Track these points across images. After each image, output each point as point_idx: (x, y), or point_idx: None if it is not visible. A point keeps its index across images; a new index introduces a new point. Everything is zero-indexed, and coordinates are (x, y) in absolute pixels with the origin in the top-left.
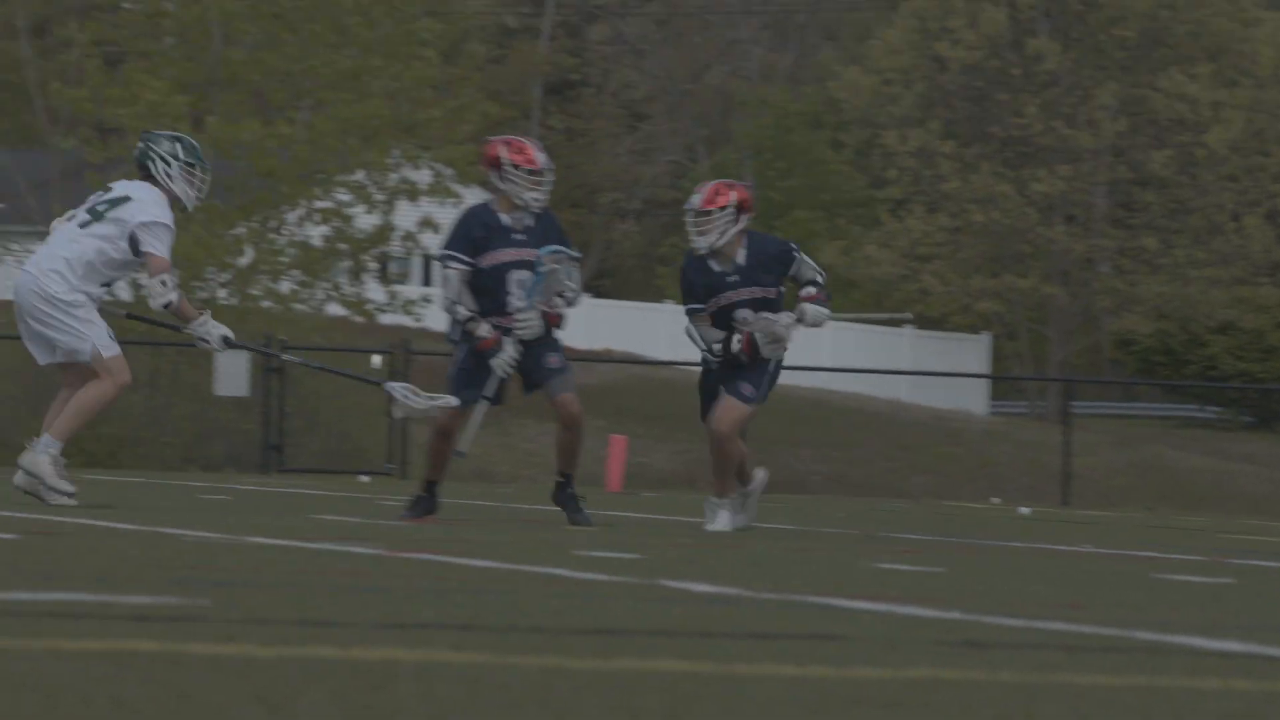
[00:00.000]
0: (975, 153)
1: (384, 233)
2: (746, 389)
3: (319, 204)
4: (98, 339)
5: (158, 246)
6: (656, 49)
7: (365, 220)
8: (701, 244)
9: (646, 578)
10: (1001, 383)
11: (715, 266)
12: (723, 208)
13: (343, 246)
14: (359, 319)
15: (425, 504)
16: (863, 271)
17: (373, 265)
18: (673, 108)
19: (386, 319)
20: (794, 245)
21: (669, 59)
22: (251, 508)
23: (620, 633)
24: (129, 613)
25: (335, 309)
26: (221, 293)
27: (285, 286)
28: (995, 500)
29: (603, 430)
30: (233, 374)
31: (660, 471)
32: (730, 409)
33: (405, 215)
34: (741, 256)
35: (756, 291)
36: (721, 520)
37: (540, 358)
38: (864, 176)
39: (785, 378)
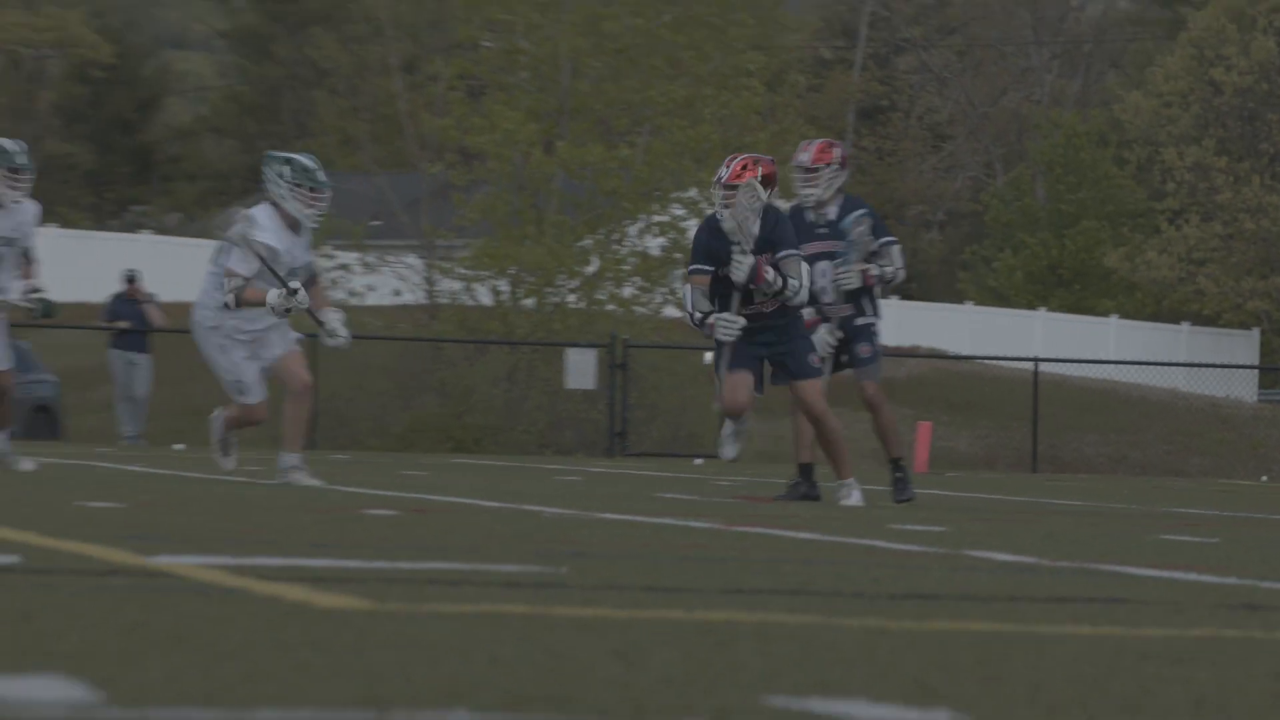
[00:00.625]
0: (1247, 167)
1: None
2: (815, 359)
3: (657, 218)
4: (224, 374)
5: (228, 260)
6: (957, 77)
7: None
8: (726, 216)
9: (953, 548)
10: (1270, 373)
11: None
12: (747, 183)
13: (678, 256)
14: None
15: (799, 489)
16: (1143, 275)
17: None
18: (972, 129)
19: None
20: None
21: (969, 86)
22: (600, 487)
23: (933, 597)
24: (499, 580)
25: (671, 311)
26: (571, 297)
27: (627, 292)
28: (1264, 479)
29: (911, 418)
30: (581, 370)
31: (962, 453)
32: (812, 388)
33: None
34: (756, 227)
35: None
36: (854, 497)
37: (852, 348)
38: (1144, 189)
39: (1074, 369)
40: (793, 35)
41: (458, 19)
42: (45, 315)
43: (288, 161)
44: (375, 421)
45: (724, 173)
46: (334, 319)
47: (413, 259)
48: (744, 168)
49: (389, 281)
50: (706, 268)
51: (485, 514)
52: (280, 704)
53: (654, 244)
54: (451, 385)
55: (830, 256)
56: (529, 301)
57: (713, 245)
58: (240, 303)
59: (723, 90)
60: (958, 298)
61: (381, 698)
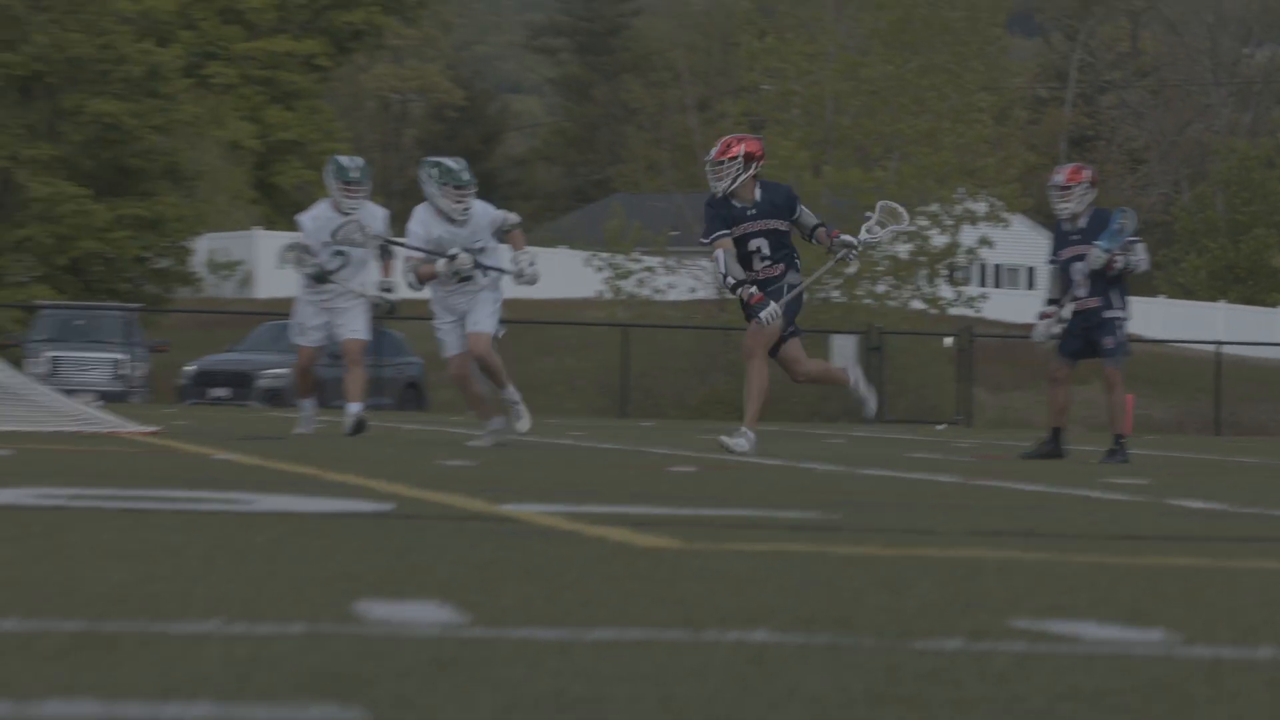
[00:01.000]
0: None
1: (952, 249)
2: (769, 316)
3: (905, 229)
4: (440, 341)
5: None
6: (1150, 111)
7: (938, 239)
8: (718, 188)
9: (1156, 497)
10: None
11: (736, 204)
12: (733, 158)
13: (922, 259)
14: (933, 312)
15: (1046, 447)
16: None
17: (943, 272)
18: (1163, 154)
19: (954, 311)
20: (796, 196)
21: (1160, 119)
22: (862, 449)
23: (1141, 537)
24: (784, 523)
25: (917, 304)
26: (835, 293)
27: (881, 288)
28: None
29: None
30: (844, 353)
31: (1158, 420)
32: (755, 332)
33: (967, 235)
34: (758, 194)
35: (771, 223)
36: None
37: (1099, 338)
38: None
39: (1250, 351)
40: (1015, 78)
41: (742, 67)
42: (387, 313)
43: (437, 165)
44: (676, 395)
45: (713, 152)
46: (522, 260)
47: (705, 262)
48: (728, 145)
49: (686, 281)
50: (726, 231)
51: (769, 470)
52: (613, 625)
53: (903, 249)
54: (738, 365)
55: (1083, 259)
56: None
57: (724, 213)
58: (421, 279)
59: (958, 123)
60: (1152, 292)
61: (695, 620)
